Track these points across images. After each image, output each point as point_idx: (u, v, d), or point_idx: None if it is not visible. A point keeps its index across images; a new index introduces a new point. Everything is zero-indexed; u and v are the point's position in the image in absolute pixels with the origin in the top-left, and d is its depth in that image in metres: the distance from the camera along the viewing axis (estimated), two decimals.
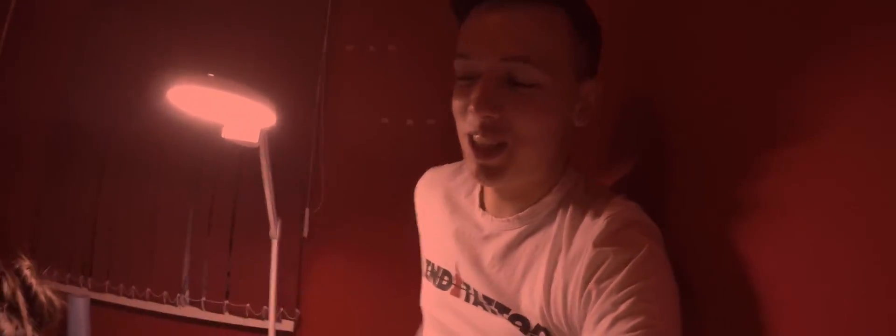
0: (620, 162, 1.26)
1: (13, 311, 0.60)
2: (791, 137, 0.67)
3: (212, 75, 1.50)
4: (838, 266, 0.58)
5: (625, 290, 0.76)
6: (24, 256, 0.59)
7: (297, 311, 2.49)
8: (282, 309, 2.46)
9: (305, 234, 2.46)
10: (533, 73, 0.81)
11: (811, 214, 0.63)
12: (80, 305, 2.59)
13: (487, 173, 0.88)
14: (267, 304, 2.25)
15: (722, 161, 0.84)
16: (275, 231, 2.08)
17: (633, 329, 0.73)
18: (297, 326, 2.50)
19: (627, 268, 0.77)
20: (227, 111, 1.63)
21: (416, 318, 1.26)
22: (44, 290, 0.61)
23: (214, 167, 2.57)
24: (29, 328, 0.59)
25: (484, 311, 0.96)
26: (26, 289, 0.61)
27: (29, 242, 2.88)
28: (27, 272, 0.59)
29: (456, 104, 0.88)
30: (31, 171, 2.93)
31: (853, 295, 0.55)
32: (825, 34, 0.63)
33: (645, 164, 1.14)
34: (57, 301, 0.63)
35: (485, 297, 0.95)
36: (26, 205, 2.93)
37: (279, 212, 2.16)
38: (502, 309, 0.92)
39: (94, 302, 2.67)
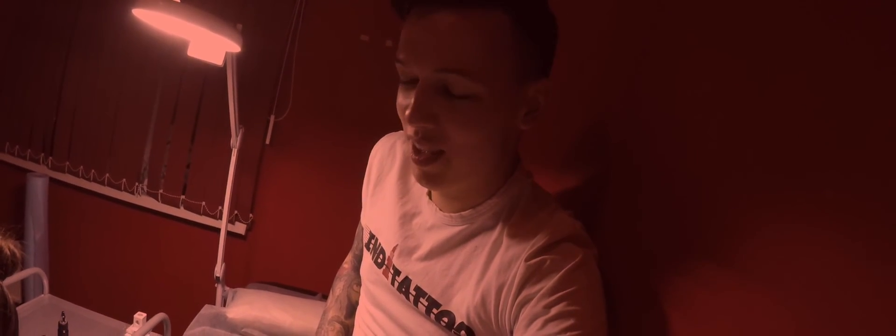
0: (573, 166, 1.26)
1: None
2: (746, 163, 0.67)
3: (178, 0, 1.43)
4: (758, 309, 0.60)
5: (556, 295, 0.77)
6: None
7: (250, 215, 2.53)
8: (236, 212, 2.51)
9: (268, 141, 2.45)
10: (467, 85, 0.77)
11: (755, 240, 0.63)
12: (38, 184, 2.61)
13: (427, 178, 0.87)
14: (222, 204, 2.28)
15: (676, 182, 0.83)
16: (235, 141, 2.08)
17: (563, 331, 0.74)
18: (248, 230, 2.56)
19: (560, 274, 0.78)
20: (192, 33, 1.57)
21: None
22: (7, 245, 0.63)
23: (184, 57, 2.50)
24: None
25: (406, 300, 0.97)
26: None
27: None
28: None
29: (399, 104, 0.86)
30: None
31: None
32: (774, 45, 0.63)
33: (595, 173, 1.13)
34: (18, 251, 0.66)
35: (417, 288, 0.95)
36: None
37: (244, 117, 2.14)
38: (433, 303, 0.92)
39: (52, 180, 2.70)
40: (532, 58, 0.82)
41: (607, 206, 1.04)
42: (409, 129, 0.83)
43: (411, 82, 0.82)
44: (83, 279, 2.79)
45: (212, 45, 1.65)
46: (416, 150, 0.84)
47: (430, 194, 1.00)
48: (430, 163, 0.84)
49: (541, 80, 0.85)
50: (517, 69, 0.80)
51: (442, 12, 0.77)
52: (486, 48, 0.77)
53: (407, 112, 0.80)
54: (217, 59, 1.69)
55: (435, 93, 0.79)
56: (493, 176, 0.91)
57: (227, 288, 2.24)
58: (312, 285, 2.42)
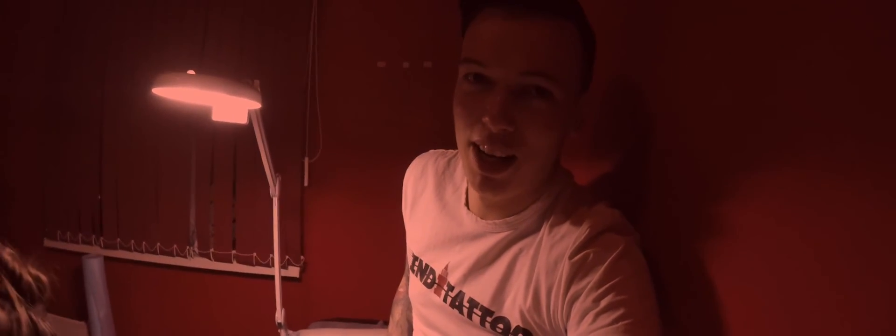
0: (605, 159, 1.26)
1: (3, 297, 0.64)
2: (778, 148, 0.65)
3: (192, 72, 1.53)
4: (801, 280, 0.60)
5: (604, 287, 0.78)
6: (1, 244, 0.65)
7: (301, 257, 2.61)
8: (287, 257, 2.59)
9: (306, 183, 2.55)
10: (549, 88, 0.79)
11: (792, 224, 0.62)
12: (94, 265, 2.71)
13: (491, 186, 0.86)
14: (273, 252, 2.33)
15: (706, 165, 0.83)
16: (274, 189, 2.14)
17: (614, 321, 0.75)
18: (302, 271, 2.63)
19: (604, 266, 0.79)
20: (212, 99, 1.65)
21: None
22: (27, 270, 0.65)
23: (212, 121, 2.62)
24: (22, 310, 0.64)
25: (460, 315, 0.97)
26: (9, 273, 0.65)
27: (40, 209, 2.99)
28: (7, 258, 0.64)
29: (460, 110, 0.85)
30: (30, 141, 3.01)
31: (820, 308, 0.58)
32: (815, 35, 0.60)
33: (628, 164, 1.14)
34: (43, 277, 0.67)
35: (470, 300, 0.95)
36: (31, 174, 3.02)
37: (279, 164, 2.22)
38: (486, 312, 0.92)
39: (107, 259, 2.80)
40: (587, 69, 0.88)
41: (643, 189, 1.04)
42: (478, 135, 0.83)
43: (482, 85, 0.83)
44: None
45: (233, 107, 1.72)
46: (485, 157, 0.84)
47: (467, 205, 1.00)
48: (500, 170, 0.84)
49: (587, 91, 0.91)
50: (580, 77, 0.86)
51: (529, 18, 0.79)
52: (564, 54, 0.81)
53: (485, 117, 0.80)
54: (241, 119, 1.76)
55: (516, 96, 0.80)
56: (542, 181, 0.92)
57: (289, 332, 2.28)
58: (373, 314, 2.46)
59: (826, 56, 0.58)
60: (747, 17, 0.75)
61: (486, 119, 0.80)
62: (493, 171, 0.84)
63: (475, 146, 0.85)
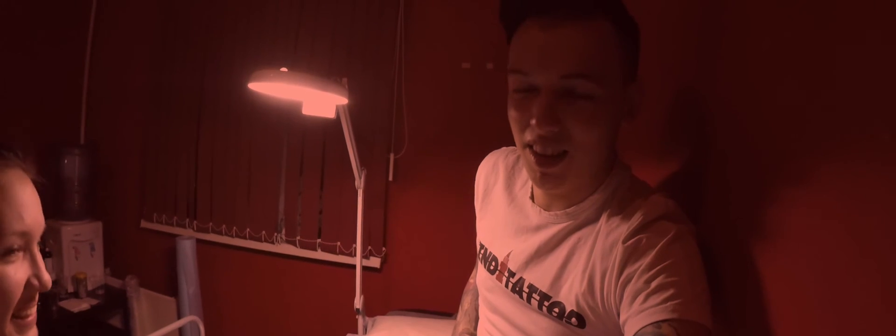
0: (666, 156, 1.31)
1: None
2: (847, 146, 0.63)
3: (284, 70, 1.65)
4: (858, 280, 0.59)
5: (654, 269, 0.82)
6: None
7: (383, 248, 2.71)
8: (369, 247, 2.70)
9: (391, 178, 2.65)
10: (589, 87, 0.85)
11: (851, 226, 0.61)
12: (187, 246, 2.91)
13: (549, 181, 0.93)
14: (356, 242, 2.42)
15: (762, 164, 0.84)
16: (359, 182, 2.25)
17: (663, 301, 0.78)
18: (383, 263, 2.74)
19: (656, 249, 0.83)
20: (303, 94, 1.76)
21: None
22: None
23: (303, 116, 2.74)
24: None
25: (520, 299, 1.04)
26: None
27: (139, 193, 3.22)
28: None
29: (513, 115, 0.92)
30: (134, 128, 3.23)
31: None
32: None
33: (690, 161, 1.17)
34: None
35: (530, 286, 1.01)
36: (133, 159, 3.24)
37: (365, 159, 2.33)
38: (544, 296, 0.98)
39: (199, 241, 2.99)
40: (629, 60, 0.92)
41: (702, 184, 1.08)
42: (530, 136, 0.90)
43: (529, 92, 0.89)
44: (236, 323, 3.05)
45: (322, 102, 1.83)
46: (539, 156, 0.91)
47: (532, 198, 1.07)
48: (555, 164, 0.90)
49: (635, 81, 0.94)
50: (622, 71, 0.90)
51: (561, 24, 0.86)
52: (601, 53, 0.86)
53: (533, 119, 0.87)
54: (329, 113, 1.87)
55: (559, 98, 0.86)
56: (598, 172, 0.97)
57: (366, 317, 2.38)
58: (449, 307, 2.49)
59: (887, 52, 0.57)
60: (806, 13, 0.75)
61: (533, 122, 0.87)
62: (547, 166, 0.90)
63: (530, 147, 0.92)
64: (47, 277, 0.72)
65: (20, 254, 0.68)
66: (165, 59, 3.06)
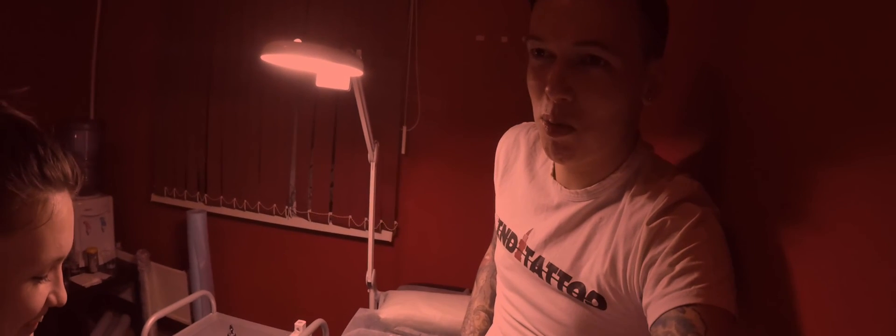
0: (688, 136, 1.28)
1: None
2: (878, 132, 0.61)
3: (298, 41, 1.61)
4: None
5: (679, 252, 0.81)
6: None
7: (395, 222, 2.70)
8: (381, 221, 2.68)
9: (403, 151, 2.63)
10: (604, 56, 0.83)
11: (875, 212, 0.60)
12: (198, 220, 2.90)
13: (558, 150, 0.91)
14: (368, 216, 2.44)
15: (792, 145, 0.82)
16: (372, 155, 2.23)
17: (687, 285, 0.78)
18: (395, 236, 2.72)
19: (681, 232, 0.82)
20: (317, 66, 1.73)
21: None
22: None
23: (315, 86, 2.67)
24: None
25: (539, 278, 1.03)
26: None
27: (149, 167, 3.20)
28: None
29: (531, 83, 0.91)
30: (143, 102, 3.21)
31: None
32: None
33: (712, 141, 1.14)
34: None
35: (549, 265, 1.00)
36: (142, 133, 3.23)
37: (378, 132, 2.30)
38: (564, 276, 0.97)
39: (210, 215, 2.98)
40: (653, 37, 0.89)
41: (724, 165, 1.06)
42: (543, 106, 0.89)
43: (545, 59, 0.88)
44: (246, 297, 3.05)
45: (336, 74, 1.80)
46: (550, 125, 0.89)
47: (554, 174, 1.06)
48: (562, 133, 0.89)
49: (659, 59, 0.92)
50: (643, 45, 0.87)
51: None
52: (619, 23, 0.84)
53: (546, 87, 0.85)
54: (343, 86, 1.83)
55: (573, 66, 0.85)
56: (618, 150, 0.96)
57: (378, 291, 2.38)
58: (460, 282, 2.53)
59: None
60: None
61: (546, 89, 0.85)
62: (556, 134, 0.89)
63: (544, 119, 0.90)
64: (64, 294, 0.73)
65: (50, 275, 0.69)
66: (174, 31, 3.03)
